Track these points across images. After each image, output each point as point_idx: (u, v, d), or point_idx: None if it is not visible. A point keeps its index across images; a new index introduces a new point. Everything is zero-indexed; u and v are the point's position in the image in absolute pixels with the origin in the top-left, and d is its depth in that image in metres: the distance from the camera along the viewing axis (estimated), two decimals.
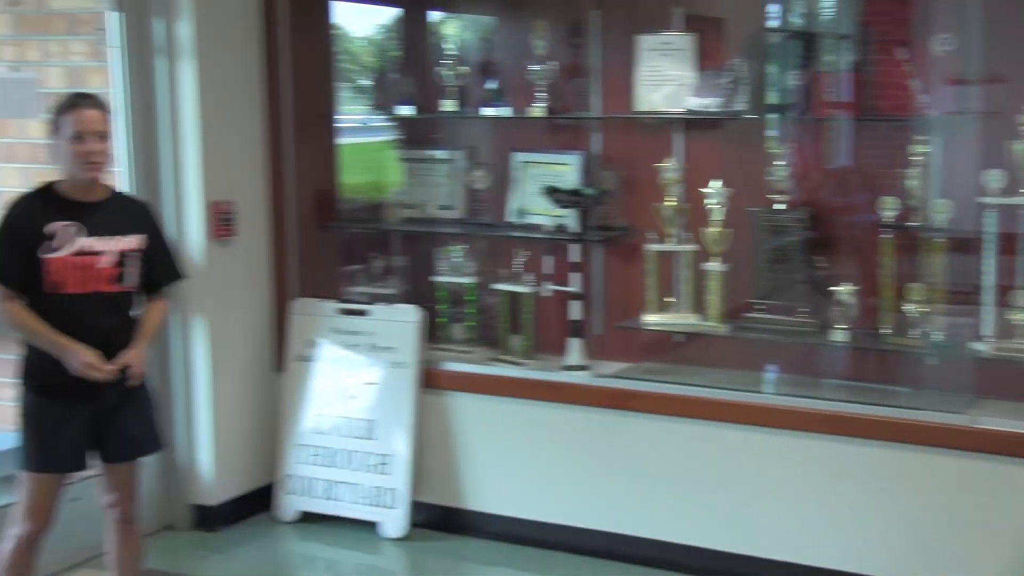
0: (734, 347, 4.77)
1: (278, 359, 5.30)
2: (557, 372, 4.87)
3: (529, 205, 5.14)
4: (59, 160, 3.68)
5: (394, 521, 5.00)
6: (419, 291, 5.35)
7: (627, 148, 5.02)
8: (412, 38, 5.66)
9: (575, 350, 4.88)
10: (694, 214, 4.71)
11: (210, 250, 4.96)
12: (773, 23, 4.63)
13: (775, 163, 4.57)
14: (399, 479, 5.00)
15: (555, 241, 4.96)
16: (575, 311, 4.88)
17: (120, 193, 3.98)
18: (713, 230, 4.64)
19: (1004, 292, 4.26)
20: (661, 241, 4.76)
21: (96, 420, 3.74)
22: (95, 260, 3.66)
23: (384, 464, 5.03)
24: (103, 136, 3.65)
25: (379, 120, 5.60)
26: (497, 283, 5.10)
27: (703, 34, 4.79)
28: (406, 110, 5.33)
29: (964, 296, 4.35)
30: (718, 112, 4.67)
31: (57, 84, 5.21)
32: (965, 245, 4.31)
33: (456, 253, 5.23)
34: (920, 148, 4.33)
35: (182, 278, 4.03)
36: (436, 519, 5.07)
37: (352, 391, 5.13)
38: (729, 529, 4.55)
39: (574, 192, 4.88)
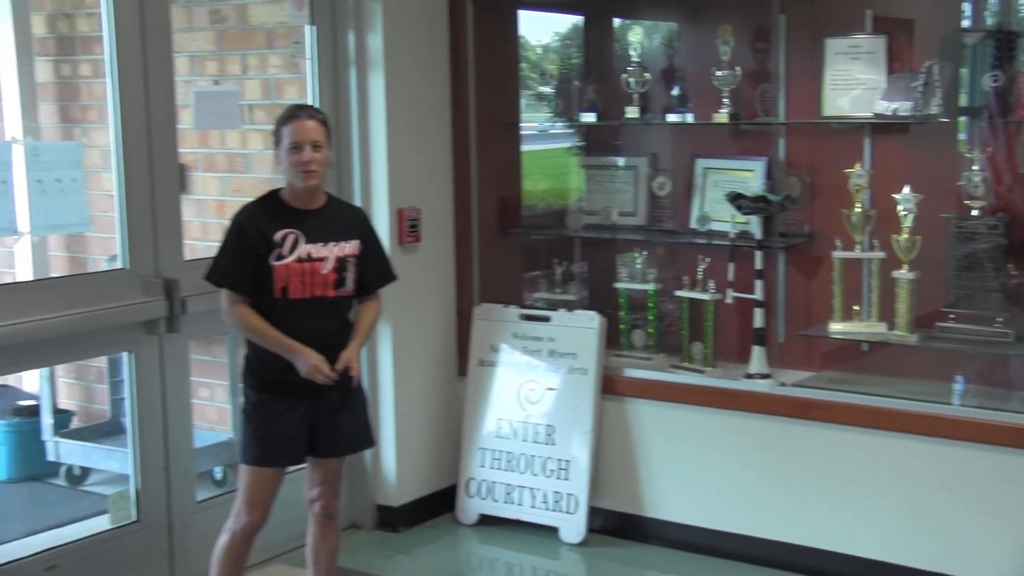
0: (919, 357, 4.63)
1: (460, 364, 5.39)
2: (740, 380, 4.81)
3: (711, 211, 5.11)
4: (281, 169, 3.81)
5: (573, 526, 5.02)
6: (600, 297, 5.37)
7: (811, 153, 4.94)
8: (595, 45, 5.71)
9: (758, 358, 4.81)
10: (881, 220, 4.59)
11: (396, 256, 5.06)
12: (966, 23, 4.48)
13: (970, 168, 4.42)
14: (578, 484, 5.02)
15: (737, 248, 4.90)
16: (759, 319, 4.82)
17: (336, 199, 4.06)
18: (904, 237, 4.51)
19: None
20: (848, 248, 4.66)
21: (314, 417, 3.84)
22: (317, 266, 3.77)
23: (564, 469, 5.06)
24: (319, 146, 3.73)
25: (561, 127, 5.64)
26: (678, 290, 5.07)
27: (893, 36, 4.67)
28: (589, 117, 5.36)
29: None
30: (910, 116, 4.54)
31: (255, 96, 5.43)
32: None
33: (637, 260, 5.22)
34: None
35: (394, 279, 4.10)
36: (614, 525, 5.06)
37: (533, 396, 5.18)
38: (916, 545, 4.40)
39: (760, 198, 4.81)
